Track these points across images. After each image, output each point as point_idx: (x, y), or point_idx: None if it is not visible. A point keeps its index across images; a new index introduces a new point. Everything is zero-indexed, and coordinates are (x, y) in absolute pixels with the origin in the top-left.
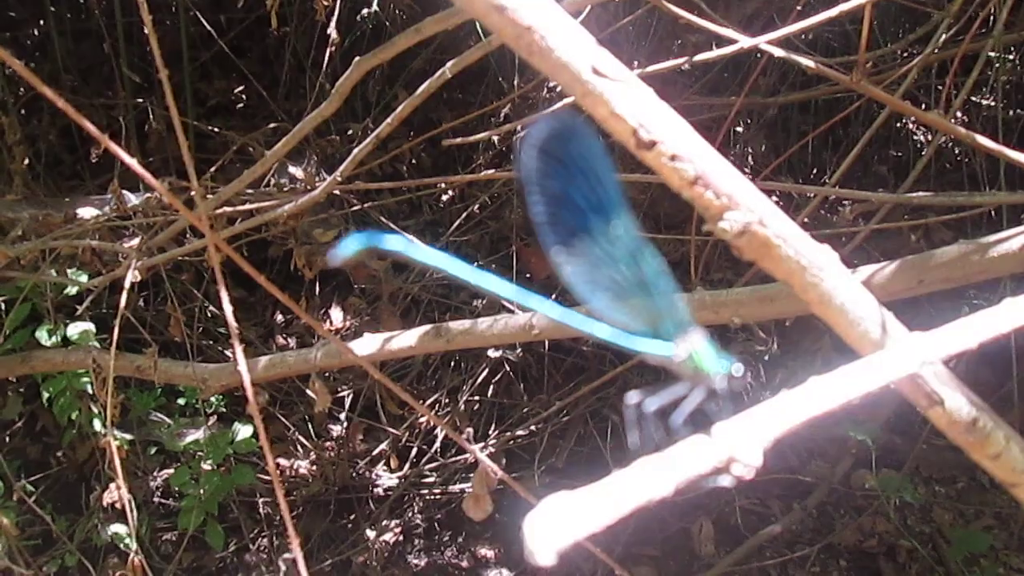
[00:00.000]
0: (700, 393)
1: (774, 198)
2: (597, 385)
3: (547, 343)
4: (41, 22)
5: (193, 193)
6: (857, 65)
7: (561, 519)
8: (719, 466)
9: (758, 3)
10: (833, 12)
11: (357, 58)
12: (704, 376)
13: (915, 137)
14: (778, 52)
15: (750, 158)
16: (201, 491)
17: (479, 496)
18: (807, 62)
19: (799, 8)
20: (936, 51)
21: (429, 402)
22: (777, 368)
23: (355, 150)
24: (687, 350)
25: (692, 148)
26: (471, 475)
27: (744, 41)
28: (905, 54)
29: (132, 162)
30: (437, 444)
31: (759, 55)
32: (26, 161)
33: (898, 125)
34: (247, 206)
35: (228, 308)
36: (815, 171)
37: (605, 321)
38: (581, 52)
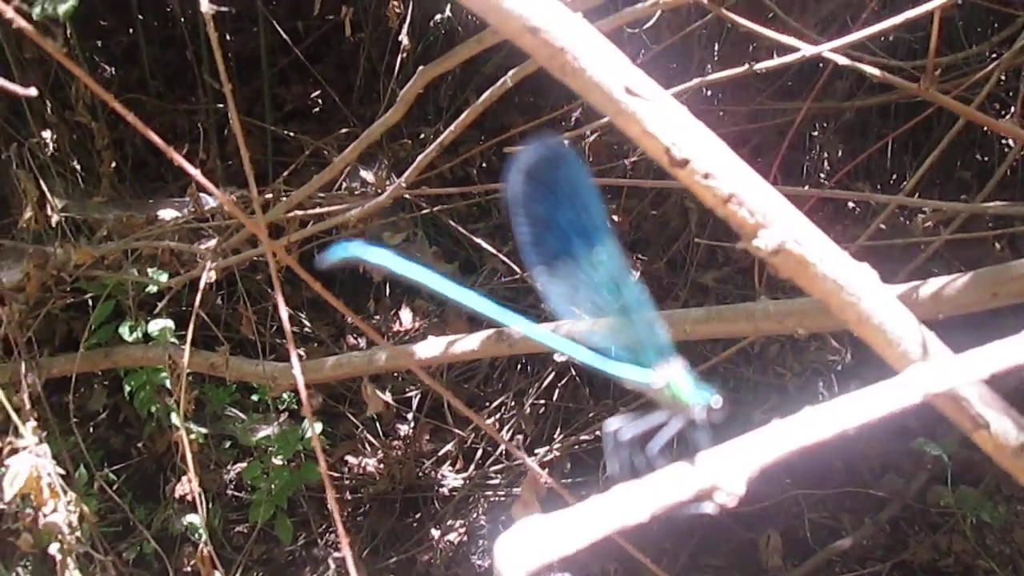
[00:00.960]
0: (678, 422)
1: (851, 204)
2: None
3: (614, 350)
4: (130, 31)
5: (254, 200)
6: (926, 72)
7: (532, 542)
8: (701, 493)
9: (834, 5)
10: (898, 19)
11: (421, 67)
12: (682, 406)
13: (1003, 141)
14: (841, 60)
15: (825, 163)
16: (272, 485)
17: (528, 502)
18: (872, 70)
19: (875, 9)
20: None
21: (495, 404)
22: (851, 379)
23: (420, 156)
24: (665, 379)
25: (725, 166)
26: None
27: (806, 49)
28: (993, 55)
29: (192, 170)
30: (502, 446)
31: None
32: (113, 164)
33: (984, 129)
34: (316, 210)
35: (284, 311)
36: (895, 176)
37: (585, 344)
38: (613, 72)
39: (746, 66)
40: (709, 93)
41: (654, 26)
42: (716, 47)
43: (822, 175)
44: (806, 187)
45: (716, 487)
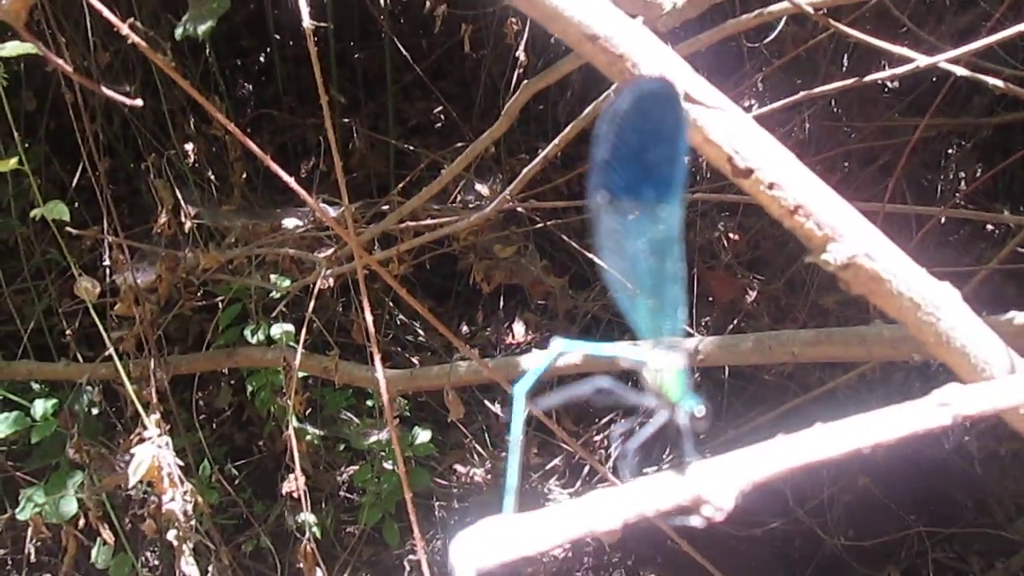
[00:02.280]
0: (661, 417)
1: (990, 227)
2: (775, 416)
3: (727, 370)
4: (267, 49)
5: (348, 213)
6: None
7: (491, 541)
8: (686, 505)
9: (973, 16)
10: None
11: (526, 81)
12: (665, 401)
13: None
14: (960, 71)
15: (962, 183)
16: (381, 489)
17: None
18: (994, 81)
19: (1001, 19)
20: None
21: (604, 421)
22: None
23: (525, 169)
24: (660, 366)
25: (791, 176)
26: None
27: (920, 60)
28: None
29: (292, 181)
30: (610, 464)
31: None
32: (244, 175)
33: None
34: (425, 222)
35: (369, 319)
36: None
37: (610, 283)
38: (674, 79)
39: (854, 79)
40: (838, 110)
41: (776, 40)
42: (844, 61)
43: (958, 195)
44: (941, 208)
45: (703, 500)
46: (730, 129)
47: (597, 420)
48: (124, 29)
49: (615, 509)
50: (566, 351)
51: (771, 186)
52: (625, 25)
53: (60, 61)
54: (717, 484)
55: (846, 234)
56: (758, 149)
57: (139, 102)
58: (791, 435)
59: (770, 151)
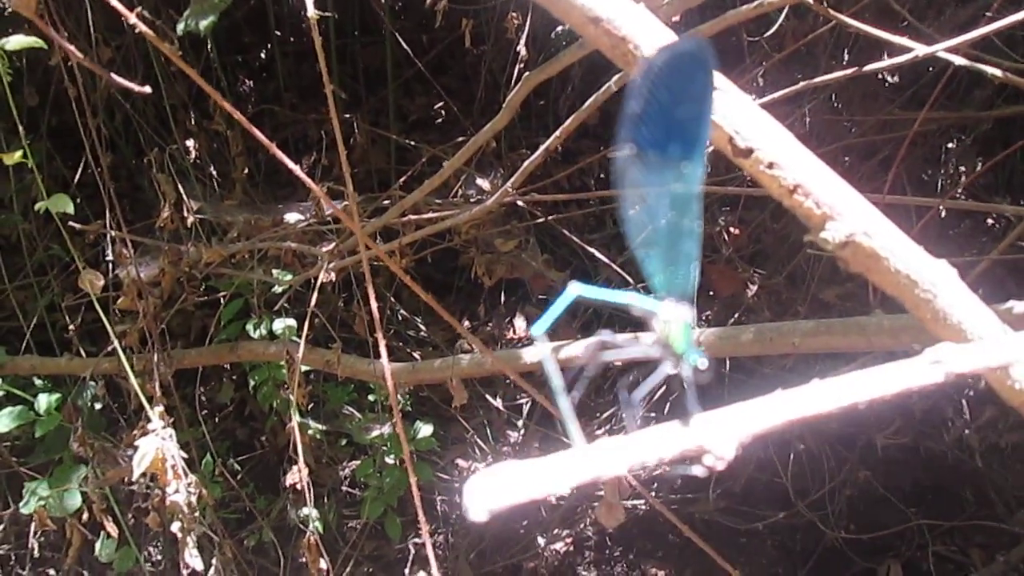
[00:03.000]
0: (665, 368)
1: (990, 220)
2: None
3: (728, 363)
4: (268, 45)
5: (352, 206)
6: None
7: (502, 484)
8: (688, 454)
9: (974, 9)
10: (1020, 15)
11: (526, 74)
12: (670, 350)
13: None
14: (958, 60)
15: (962, 176)
16: (383, 484)
17: (611, 504)
18: (993, 70)
19: (998, 9)
20: None
21: (606, 415)
22: (986, 403)
23: (526, 162)
24: (668, 317)
25: (791, 156)
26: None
27: (919, 49)
28: None
29: (298, 170)
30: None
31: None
32: (246, 170)
33: None
34: (427, 215)
35: (374, 308)
36: None
37: (628, 233)
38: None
39: (854, 69)
40: (838, 104)
41: (776, 34)
42: (845, 56)
43: (958, 188)
44: (941, 199)
45: (704, 449)
46: (731, 110)
47: (599, 415)
48: (132, 18)
49: (620, 456)
50: (582, 294)
51: (771, 165)
52: (627, 7)
53: (72, 48)
54: (718, 435)
55: (844, 212)
56: (758, 129)
57: (147, 89)
58: (789, 390)
59: (770, 131)
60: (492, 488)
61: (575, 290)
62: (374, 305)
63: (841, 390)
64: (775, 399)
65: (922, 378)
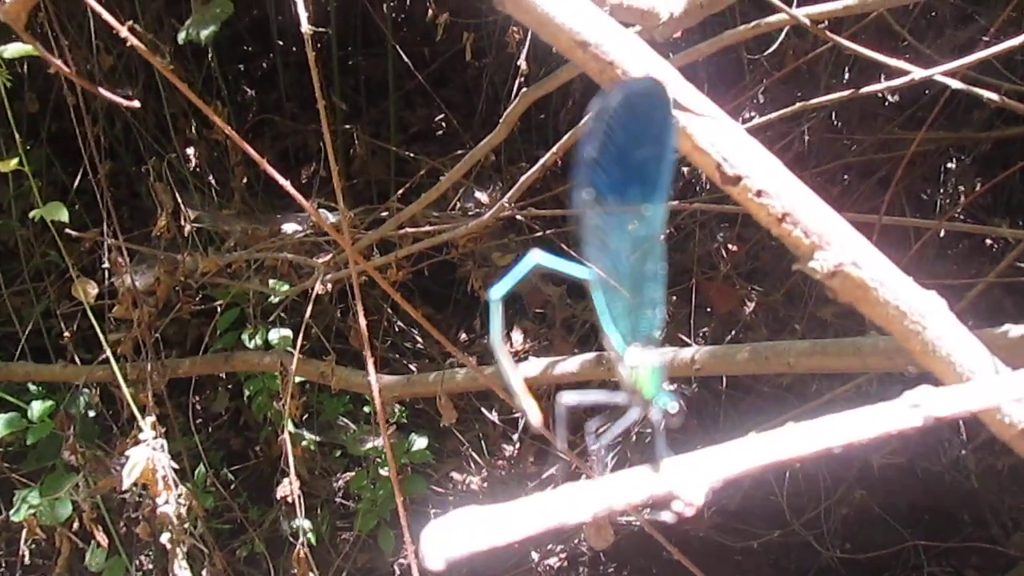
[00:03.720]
0: (634, 412)
1: (989, 241)
2: (772, 427)
3: (724, 380)
4: (270, 55)
5: (344, 219)
6: None
7: (462, 530)
8: (657, 500)
9: (973, 31)
10: (1018, 40)
11: (524, 89)
12: (639, 397)
13: None
14: (957, 84)
15: (961, 197)
16: (377, 496)
17: (600, 525)
18: (989, 94)
19: (997, 33)
20: None
21: (591, 447)
22: (981, 426)
23: (523, 176)
24: (636, 362)
25: (779, 184)
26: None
27: (916, 72)
28: None
29: (289, 187)
30: (605, 473)
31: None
32: (245, 180)
33: None
34: (424, 228)
35: (363, 324)
36: None
37: (591, 279)
38: (664, 81)
39: (850, 91)
40: (837, 123)
41: (776, 53)
42: (845, 75)
43: (956, 209)
44: (939, 221)
45: (674, 495)
46: (719, 137)
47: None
48: (123, 32)
49: (586, 501)
50: (543, 263)
51: (759, 193)
52: (615, 32)
53: (58, 62)
54: (688, 479)
55: (833, 242)
56: (746, 157)
57: (136, 104)
58: (763, 433)
59: (758, 159)
60: (451, 535)
61: (536, 257)
62: (363, 321)
63: (816, 434)
64: (747, 443)
65: (901, 422)
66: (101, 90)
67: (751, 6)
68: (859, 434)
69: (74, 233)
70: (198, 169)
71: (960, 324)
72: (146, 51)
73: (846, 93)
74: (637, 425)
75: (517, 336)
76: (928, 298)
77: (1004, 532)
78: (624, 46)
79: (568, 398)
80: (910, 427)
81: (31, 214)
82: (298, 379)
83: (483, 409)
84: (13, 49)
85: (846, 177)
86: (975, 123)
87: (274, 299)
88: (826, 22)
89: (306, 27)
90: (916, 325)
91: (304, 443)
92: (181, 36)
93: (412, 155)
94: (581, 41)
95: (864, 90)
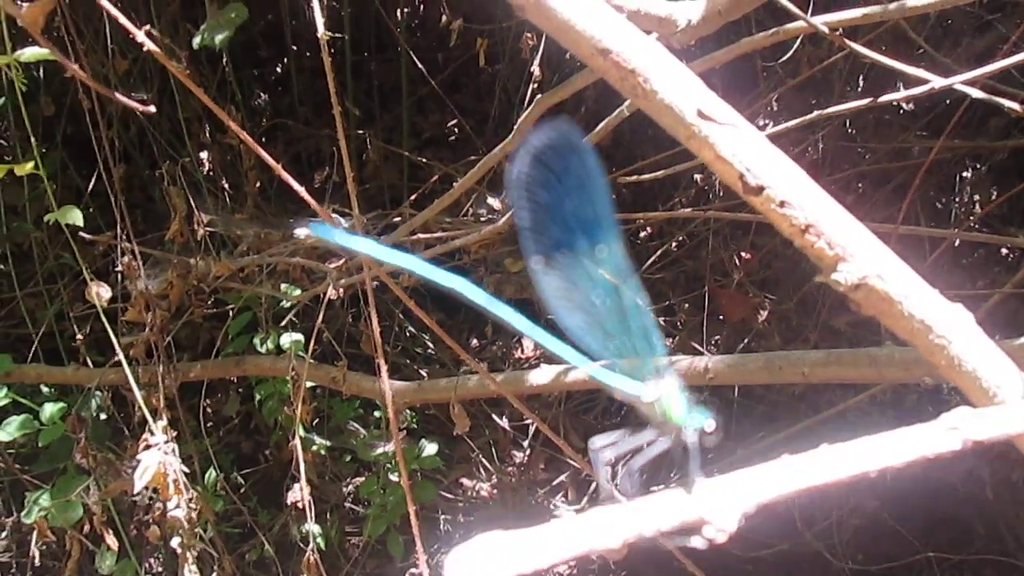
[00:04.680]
0: (664, 442)
1: (1004, 250)
2: (785, 436)
3: (736, 390)
4: (284, 60)
5: (357, 223)
6: None
7: (488, 557)
8: (688, 526)
9: (989, 40)
10: None
11: (538, 96)
12: (672, 425)
13: None
14: (977, 94)
15: (977, 206)
16: (387, 502)
17: None
18: (1011, 104)
19: (1016, 41)
20: None
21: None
22: None
23: None
24: (656, 394)
25: (803, 194)
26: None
27: (936, 81)
28: None
29: (303, 191)
30: (616, 480)
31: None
32: (258, 184)
33: None
34: (436, 234)
35: (376, 329)
36: None
37: (576, 345)
38: (686, 94)
39: (868, 99)
40: (852, 131)
41: (791, 60)
42: (860, 83)
43: (972, 218)
44: (955, 230)
45: (705, 521)
46: (742, 146)
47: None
48: (140, 36)
49: (616, 527)
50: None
51: (782, 204)
52: (637, 39)
53: (74, 66)
54: (720, 505)
55: (857, 254)
56: (770, 167)
57: (152, 108)
58: (797, 456)
59: (782, 169)
60: (476, 562)
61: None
62: (376, 327)
63: (852, 457)
64: (781, 466)
65: (939, 445)
66: (117, 95)
67: (766, 14)
68: (896, 458)
69: (88, 236)
70: (212, 173)
71: (986, 338)
72: (162, 55)
73: (864, 102)
74: (669, 451)
75: (528, 343)
76: (954, 311)
77: (1019, 545)
78: (646, 53)
79: (600, 443)
80: (948, 450)
81: (46, 217)
82: (309, 384)
83: (493, 415)
84: (30, 53)
85: (860, 186)
86: (991, 132)
87: (286, 303)
88: (841, 30)
89: (322, 32)
90: (942, 339)
91: (314, 448)
92: (196, 40)
93: (425, 161)
94: (602, 48)
95: (883, 99)
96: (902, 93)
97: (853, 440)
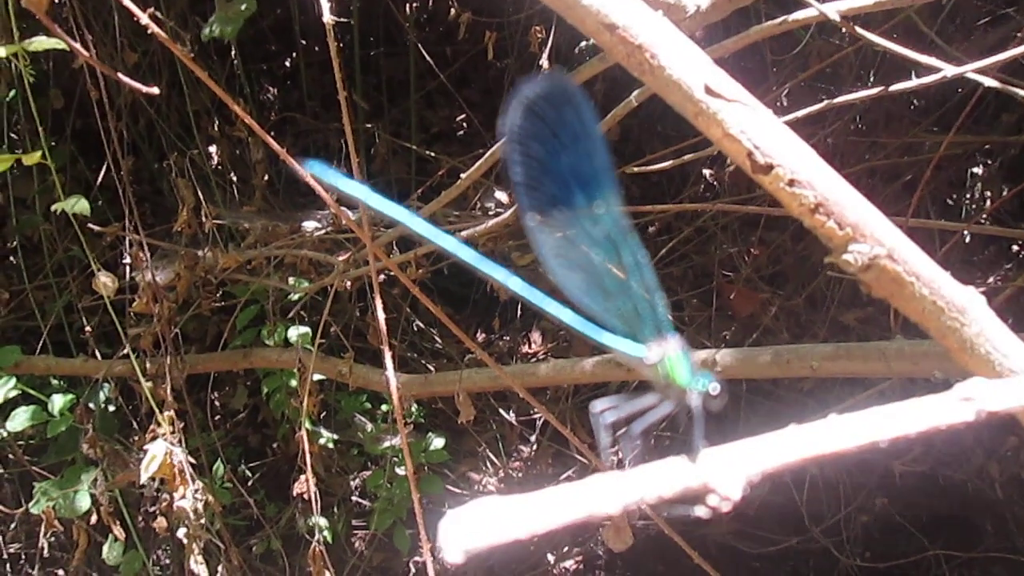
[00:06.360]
0: (668, 406)
1: (1015, 247)
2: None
3: (744, 384)
4: (293, 54)
5: (364, 217)
6: None
7: (482, 522)
8: (691, 493)
9: (1004, 31)
10: None
11: None
12: (675, 388)
13: None
14: (990, 82)
15: (987, 201)
16: (393, 495)
17: (619, 526)
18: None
19: None
20: None
21: (619, 433)
22: (1008, 433)
23: None
24: (660, 355)
25: (813, 173)
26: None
27: (948, 70)
28: None
29: (313, 182)
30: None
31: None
32: (266, 177)
33: None
34: (446, 227)
35: (382, 320)
36: None
37: (575, 305)
38: (694, 70)
39: (880, 88)
40: (862, 125)
41: (801, 53)
42: (871, 77)
43: (983, 214)
44: (966, 224)
45: (710, 489)
46: (750, 123)
47: (612, 431)
48: (144, 18)
49: (615, 493)
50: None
51: (792, 183)
52: (644, 15)
53: (78, 46)
54: (725, 472)
55: (868, 234)
56: (779, 145)
57: (156, 90)
58: (805, 425)
59: (792, 147)
60: (470, 527)
61: (599, 407)
62: (382, 318)
63: (861, 426)
64: (788, 434)
65: (951, 416)
66: (121, 76)
67: (775, 6)
68: (907, 427)
69: (96, 228)
70: (220, 166)
71: (1000, 321)
72: (167, 39)
73: (876, 91)
74: (671, 415)
75: (536, 336)
76: (967, 293)
77: None
78: (653, 28)
79: (601, 407)
80: (961, 421)
81: (53, 207)
82: (316, 377)
83: (501, 410)
84: (39, 42)
85: (871, 180)
86: (1002, 127)
87: (293, 296)
88: (851, 18)
89: (328, 16)
90: (954, 321)
91: (321, 441)
92: (205, 32)
93: (433, 154)
94: (609, 24)
95: (894, 87)
96: (915, 82)
97: (859, 399)
